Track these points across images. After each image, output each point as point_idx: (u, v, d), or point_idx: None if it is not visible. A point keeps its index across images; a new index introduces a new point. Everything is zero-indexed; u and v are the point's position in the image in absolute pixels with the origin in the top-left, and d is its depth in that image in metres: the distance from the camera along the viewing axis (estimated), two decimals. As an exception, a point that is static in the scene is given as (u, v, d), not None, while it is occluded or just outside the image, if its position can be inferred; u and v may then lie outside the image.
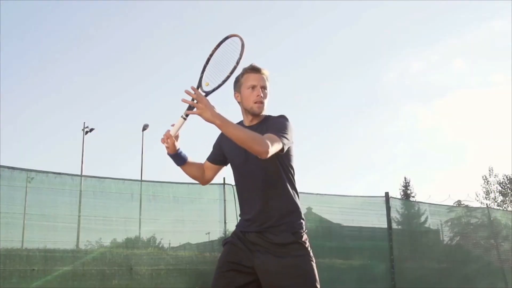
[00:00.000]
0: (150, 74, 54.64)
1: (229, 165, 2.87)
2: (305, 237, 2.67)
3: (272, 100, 2.78)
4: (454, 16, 50.85)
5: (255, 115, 2.72)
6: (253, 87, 2.68)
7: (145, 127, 31.10)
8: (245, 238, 2.68)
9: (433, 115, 54.16)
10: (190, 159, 2.82)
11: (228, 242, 2.75)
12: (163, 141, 2.63)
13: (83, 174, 10.36)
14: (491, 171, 36.70)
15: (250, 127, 2.68)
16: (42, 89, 53.77)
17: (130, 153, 61.65)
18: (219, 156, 2.88)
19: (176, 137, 2.64)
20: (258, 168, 2.66)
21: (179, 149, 2.73)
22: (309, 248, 2.65)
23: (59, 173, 7.18)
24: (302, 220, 2.72)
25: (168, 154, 2.73)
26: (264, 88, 2.70)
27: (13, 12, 45.51)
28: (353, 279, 9.48)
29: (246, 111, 2.73)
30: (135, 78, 54.86)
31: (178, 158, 2.77)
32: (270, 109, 2.79)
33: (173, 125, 2.57)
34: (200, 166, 2.91)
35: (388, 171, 51.26)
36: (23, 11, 47.03)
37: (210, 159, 2.92)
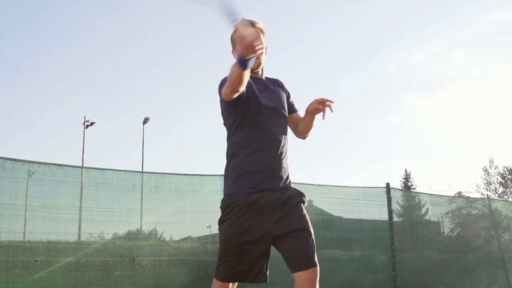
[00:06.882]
0: (150, 68, 54.54)
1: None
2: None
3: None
4: (454, 7, 50.56)
5: (253, 70, 2.63)
6: None
7: (145, 120, 31.09)
8: (251, 201, 2.61)
9: (434, 106, 54.04)
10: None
11: (228, 219, 2.72)
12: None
13: (84, 166, 10.37)
14: (491, 162, 36.63)
15: (258, 79, 2.71)
16: (44, 83, 53.72)
17: (131, 146, 61.77)
18: (241, 96, 2.56)
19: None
20: (282, 123, 2.71)
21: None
22: None
23: (61, 165, 7.18)
24: None
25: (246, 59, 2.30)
26: None
27: (13, 3, 45.35)
28: (354, 269, 9.52)
29: None
30: (135, 72, 54.74)
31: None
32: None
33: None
34: None
35: (388, 163, 51.34)
36: (24, 2, 46.85)
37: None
